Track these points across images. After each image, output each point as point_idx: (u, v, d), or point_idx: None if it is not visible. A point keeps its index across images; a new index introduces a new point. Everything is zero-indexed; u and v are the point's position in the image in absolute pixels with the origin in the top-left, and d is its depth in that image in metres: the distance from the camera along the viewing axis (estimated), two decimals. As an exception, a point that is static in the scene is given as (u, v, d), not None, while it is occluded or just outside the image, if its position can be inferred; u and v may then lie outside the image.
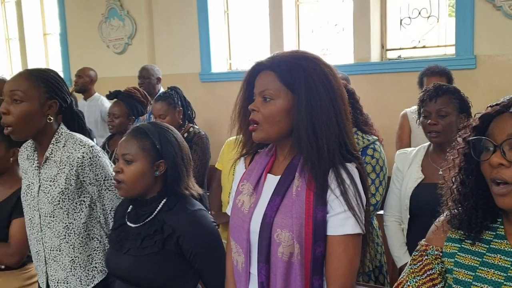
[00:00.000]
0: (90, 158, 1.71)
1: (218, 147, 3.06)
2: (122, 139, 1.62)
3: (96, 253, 1.79)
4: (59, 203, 1.71)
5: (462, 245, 1.10)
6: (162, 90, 4.10)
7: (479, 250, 1.08)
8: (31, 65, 6.55)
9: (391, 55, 4.28)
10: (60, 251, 1.75)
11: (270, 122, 1.28)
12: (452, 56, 3.89)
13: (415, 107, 2.90)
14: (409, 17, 4.18)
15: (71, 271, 1.75)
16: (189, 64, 5.15)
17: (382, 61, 4.24)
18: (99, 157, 1.74)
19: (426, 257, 1.14)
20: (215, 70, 5.11)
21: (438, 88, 2.10)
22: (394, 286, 1.17)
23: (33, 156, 1.80)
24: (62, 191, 1.71)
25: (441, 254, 1.13)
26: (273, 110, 1.27)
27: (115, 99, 3.18)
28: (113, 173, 1.63)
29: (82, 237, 1.75)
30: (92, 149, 1.73)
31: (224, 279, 1.48)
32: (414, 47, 4.18)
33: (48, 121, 1.72)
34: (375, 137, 2.23)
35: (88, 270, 1.77)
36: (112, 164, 1.82)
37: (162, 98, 3.02)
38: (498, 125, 1.04)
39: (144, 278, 1.53)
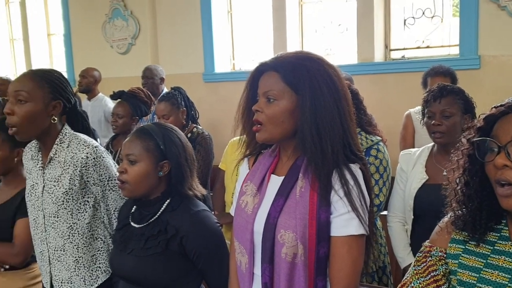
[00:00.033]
0: (94, 158, 1.72)
1: (221, 147, 3.06)
2: (126, 139, 1.62)
3: (100, 253, 1.79)
4: (63, 204, 1.72)
5: (466, 247, 1.10)
6: (165, 90, 4.11)
7: (484, 252, 1.08)
8: (35, 66, 6.57)
9: (395, 55, 4.27)
10: (64, 251, 1.75)
11: (274, 123, 1.27)
12: (456, 56, 3.88)
13: (419, 108, 2.89)
14: (413, 17, 4.17)
15: (75, 271, 1.76)
16: (193, 64, 5.16)
17: (386, 61, 4.23)
18: (103, 157, 1.75)
19: (430, 258, 1.14)
20: (218, 70, 5.11)
21: (443, 88, 2.09)
22: (398, 287, 1.17)
23: (37, 156, 1.81)
24: (66, 191, 1.71)
25: (445, 255, 1.13)
26: (277, 111, 1.27)
27: (119, 99, 3.19)
28: (117, 174, 1.63)
29: (86, 237, 1.76)
30: (96, 150, 1.73)
31: (227, 279, 1.48)
32: (418, 47, 4.17)
33: (52, 121, 1.73)
34: (378, 138, 2.22)
35: (92, 270, 1.78)
36: (116, 164, 1.82)
37: (166, 99, 3.03)
38: (503, 126, 1.03)
39: (148, 278, 1.54)
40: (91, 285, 1.78)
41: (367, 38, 4.18)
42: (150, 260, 1.53)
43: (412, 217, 2.10)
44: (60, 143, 1.75)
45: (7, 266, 1.99)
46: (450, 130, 2.04)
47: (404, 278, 1.18)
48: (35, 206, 1.79)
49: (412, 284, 1.13)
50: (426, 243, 1.18)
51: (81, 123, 1.86)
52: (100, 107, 4.55)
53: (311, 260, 1.23)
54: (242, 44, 5.18)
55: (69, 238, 1.74)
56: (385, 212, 2.31)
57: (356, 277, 1.26)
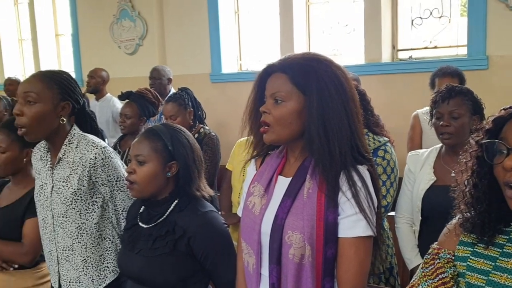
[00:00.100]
0: (102, 159, 1.73)
1: (228, 148, 3.06)
2: (135, 140, 1.63)
3: (108, 253, 1.80)
4: (71, 204, 1.73)
5: (475, 249, 1.10)
6: (173, 90, 4.12)
7: (492, 254, 1.07)
8: (43, 66, 6.62)
9: (402, 55, 4.26)
10: (72, 251, 1.76)
11: (282, 124, 1.28)
12: (464, 57, 3.86)
13: (426, 108, 2.88)
14: (420, 17, 4.15)
15: (83, 270, 1.77)
16: (200, 64, 5.17)
17: (393, 62, 4.22)
18: (112, 158, 1.76)
19: (438, 261, 1.13)
20: (225, 70, 5.12)
21: (451, 89, 2.08)
22: (405, 289, 1.17)
23: (46, 156, 1.82)
24: (75, 191, 1.72)
25: (453, 257, 1.12)
26: (285, 112, 1.27)
27: (126, 100, 3.20)
28: (125, 174, 1.64)
29: (94, 237, 1.77)
30: (105, 150, 1.74)
31: (234, 280, 1.48)
32: (426, 48, 4.15)
33: (61, 122, 1.74)
34: (386, 139, 2.22)
35: (100, 270, 1.79)
36: (124, 165, 1.83)
37: (173, 99, 3.04)
38: (512, 128, 1.03)
39: (156, 278, 1.54)
40: (99, 285, 1.78)
41: (375, 38, 4.17)
42: (158, 260, 1.54)
43: (420, 218, 2.09)
44: (69, 143, 1.76)
45: (16, 266, 2.01)
46: (459, 131, 2.03)
47: (412, 280, 1.17)
48: (44, 206, 1.80)
49: (420, 286, 1.13)
50: (434, 245, 1.17)
51: (89, 124, 1.88)
52: (108, 107, 4.57)
53: (318, 261, 1.23)
54: (249, 44, 5.19)
55: (77, 238, 1.75)
56: (392, 213, 2.30)
57: (363, 278, 1.26)
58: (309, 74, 1.25)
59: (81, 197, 1.73)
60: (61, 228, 1.76)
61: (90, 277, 1.77)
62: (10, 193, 2.10)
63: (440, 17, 4.07)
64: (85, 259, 1.77)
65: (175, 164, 1.58)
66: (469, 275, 1.08)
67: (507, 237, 1.08)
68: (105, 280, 1.79)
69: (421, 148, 3.06)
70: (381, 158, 2.14)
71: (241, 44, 5.21)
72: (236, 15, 5.17)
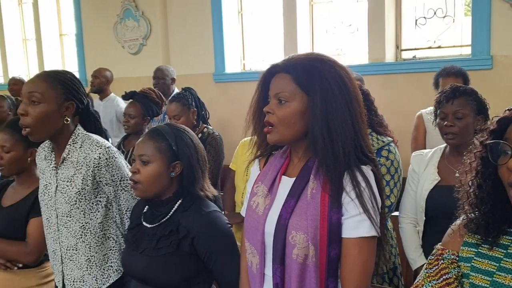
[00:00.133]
0: (106, 159, 1.73)
1: (231, 147, 3.07)
2: (139, 140, 1.64)
3: (111, 253, 1.81)
4: (76, 203, 1.73)
5: (479, 250, 1.10)
6: (176, 90, 4.13)
7: (497, 255, 1.07)
8: (47, 65, 6.64)
9: (406, 55, 4.25)
10: (76, 250, 1.77)
11: (285, 124, 1.28)
12: (468, 57, 3.85)
13: (430, 108, 2.88)
14: (424, 17, 4.14)
15: (87, 270, 1.77)
16: (203, 64, 5.17)
17: (397, 62, 4.21)
18: (115, 158, 1.76)
19: (442, 261, 1.13)
20: (228, 70, 5.12)
21: (455, 89, 2.08)
22: (409, 290, 1.17)
23: (50, 156, 1.83)
24: (79, 191, 1.73)
25: (457, 258, 1.12)
26: (288, 113, 1.27)
27: (130, 100, 3.21)
28: (129, 174, 1.64)
29: (98, 237, 1.77)
30: (109, 150, 1.75)
31: (238, 280, 1.49)
32: (430, 47, 4.14)
33: (65, 122, 1.75)
34: (390, 139, 2.22)
35: (103, 269, 1.79)
36: (128, 164, 1.84)
37: (177, 99, 3.04)
38: (517, 129, 1.03)
39: (159, 278, 1.55)
40: (103, 284, 1.79)
41: (378, 38, 4.16)
42: (161, 260, 1.54)
43: (424, 218, 2.09)
44: (73, 143, 1.76)
45: (20, 265, 2.02)
46: (463, 132, 2.02)
47: (416, 281, 1.17)
48: (48, 205, 1.81)
49: (424, 287, 1.13)
50: (438, 246, 1.17)
51: (93, 124, 1.88)
52: (112, 107, 4.58)
53: (322, 261, 1.24)
54: (252, 44, 5.19)
55: (81, 237, 1.76)
56: (396, 213, 2.30)
57: (367, 279, 1.26)
58: (312, 74, 1.25)
59: (85, 196, 1.74)
60: (65, 227, 1.77)
61: (94, 277, 1.78)
62: (14, 192, 2.11)
63: (444, 17, 4.06)
64: (89, 258, 1.77)
65: (179, 164, 1.59)
66: (473, 276, 1.08)
67: (512, 238, 1.08)
68: (109, 280, 1.80)
69: (424, 148, 3.06)
70: (385, 158, 2.14)
71: (245, 44, 5.21)
72: (240, 15, 5.18)
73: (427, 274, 1.14)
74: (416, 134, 3.36)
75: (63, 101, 1.72)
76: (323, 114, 1.23)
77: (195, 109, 3.06)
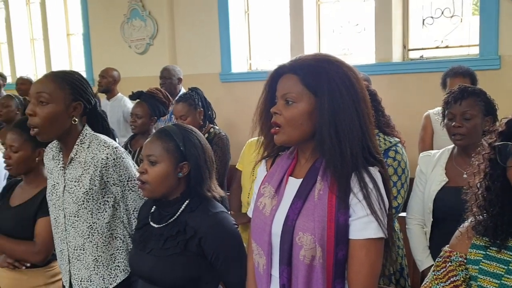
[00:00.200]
0: (114, 159, 1.74)
1: (238, 148, 3.07)
2: (147, 140, 1.64)
3: (119, 253, 1.81)
4: (83, 203, 1.74)
5: (487, 252, 1.09)
6: (183, 90, 4.13)
7: (505, 258, 1.06)
8: (54, 65, 6.68)
9: (413, 55, 4.23)
10: (83, 250, 1.78)
11: (292, 125, 1.28)
12: (476, 56, 3.83)
13: (438, 109, 2.87)
14: (431, 17, 4.12)
15: (94, 269, 1.78)
16: (210, 64, 5.18)
17: (404, 61, 4.19)
18: (123, 158, 1.77)
19: (450, 264, 1.13)
20: (235, 70, 5.12)
21: (463, 90, 2.07)
22: (417, 292, 1.16)
23: (58, 156, 1.84)
24: (87, 191, 1.74)
25: (465, 261, 1.11)
26: (295, 113, 1.27)
27: (137, 100, 3.22)
28: (137, 174, 1.65)
29: (105, 237, 1.78)
30: (116, 150, 1.76)
31: (245, 280, 1.49)
32: (437, 47, 4.12)
33: (73, 122, 1.75)
34: (397, 139, 2.21)
35: (110, 269, 1.80)
36: (136, 165, 1.84)
37: (183, 99, 3.05)
38: (525, 131, 1.02)
39: (166, 278, 1.55)
40: (110, 284, 1.80)
41: (385, 38, 4.15)
42: (169, 260, 1.55)
43: (431, 219, 2.08)
44: (81, 143, 1.77)
45: (28, 264, 2.03)
46: (471, 132, 2.01)
47: (423, 283, 1.17)
48: (56, 205, 1.82)
49: (432, 289, 1.12)
50: (446, 248, 1.17)
51: (101, 124, 1.89)
52: (119, 107, 4.59)
53: (329, 262, 1.23)
54: (259, 44, 5.19)
55: (88, 237, 1.77)
56: (403, 214, 2.29)
57: (374, 280, 1.25)
58: (320, 75, 1.25)
59: (92, 196, 1.74)
60: (72, 227, 1.78)
61: (101, 276, 1.79)
62: (22, 192, 2.12)
63: (451, 17, 4.04)
64: (96, 258, 1.78)
65: (187, 165, 1.59)
66: (481, 278, 1.08)
67: (520, 241, 1.07)
68: (116, 279, 1.80)
69: (432, 149, 3.04)
70: (392, 159, 2.13)
71: (251, 43, 5.21)
72: (246, 15, 5.18)
73: (434, 276, 1.14)
74: (423, 135, 3.34)
75: (71, 101, 1.73)
76: (330, 114, 1.23)
77: (202, 109, 3.07)
